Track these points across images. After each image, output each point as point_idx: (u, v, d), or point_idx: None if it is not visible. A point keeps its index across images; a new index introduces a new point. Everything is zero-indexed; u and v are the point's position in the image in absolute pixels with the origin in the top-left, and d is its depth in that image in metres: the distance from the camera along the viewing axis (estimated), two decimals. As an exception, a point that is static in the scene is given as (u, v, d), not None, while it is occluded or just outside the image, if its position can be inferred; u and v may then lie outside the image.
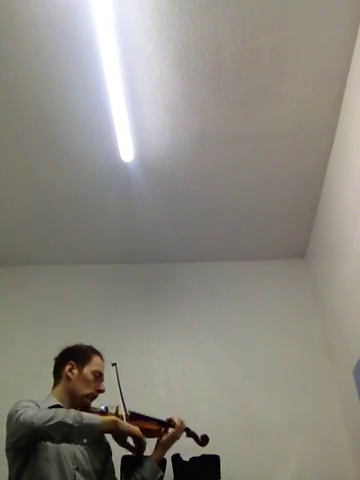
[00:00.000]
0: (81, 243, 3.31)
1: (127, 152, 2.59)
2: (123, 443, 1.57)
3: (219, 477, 2.41)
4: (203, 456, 2.46)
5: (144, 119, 2.48)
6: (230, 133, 2.58)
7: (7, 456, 1.56)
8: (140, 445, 1.56)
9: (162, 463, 2.15)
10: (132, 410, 1.78)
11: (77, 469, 1.58)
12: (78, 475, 1.57)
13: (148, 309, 3.23)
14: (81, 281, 3.39)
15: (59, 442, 1.48)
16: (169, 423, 1.85)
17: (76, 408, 1.70)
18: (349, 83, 2.31)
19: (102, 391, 1.78)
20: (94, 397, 1.77)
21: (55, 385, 1.78)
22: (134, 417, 1.76)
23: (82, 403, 1.73)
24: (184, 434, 1.92)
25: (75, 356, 1.80)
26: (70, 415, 1.43)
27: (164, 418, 1.86)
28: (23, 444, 1.49)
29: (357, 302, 2.39)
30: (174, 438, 1.84)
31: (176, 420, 1.86)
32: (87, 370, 1.77)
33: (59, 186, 2.88)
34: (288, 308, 3.22)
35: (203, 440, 1.96)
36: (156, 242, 3.29)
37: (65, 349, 1.85)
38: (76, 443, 1.48)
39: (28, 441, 1.48)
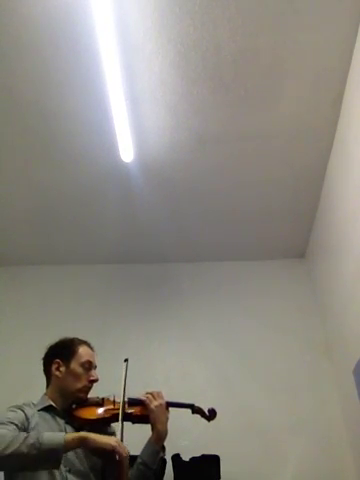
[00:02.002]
0: (81, 243, 3.32)
1: (127, 152, 2.59)
2: (100, 456, 1.49)
3: (219, 477, 2.41)
4: (203, 456, 2.47)
5: (144, 119, 2.48)
6: (230, 133, 2.58)
7: None
8: (111, 459, 1.43)
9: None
10: (130, 396, 1.75)
11: (69, 471, 1.53)
12: (70, 477, 1.51)
13: (148, 309, 3.23)
14: (81, 281, 3.39)
15: (17, 472, 1.40)
16: (139, 402, 1.78)
17: (72, 404, 1.70)
18: (349, 83, 2.31)
19: (95, 380, 1.74)
20: (88, 389, 1.73)
21: (47, 384, 1.76)
22: (132, 403, 1.73)
23: (77, 398, 1.71)
24: (190, 411, 1.88)
25: (60, 353, 1.76)
26: (28, 442, 1.32)
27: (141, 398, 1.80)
28: None
29: (357, 302, 2.39)
30: (156, 408, 1.72)
31: (146, 395, 1.77)
32: (74, 364, 1.73)
33: (59, 186, 2.88)
34: (288, 308, 3.22)
35: (210, 414, 1.89)
36: (156, 242, 3.30)
37: (49, 348, 1.81)
38: (36, 470, 1.38)
39: None
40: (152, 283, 3.38)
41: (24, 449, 1.31)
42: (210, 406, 1.91)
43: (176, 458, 2.44)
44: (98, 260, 3.44)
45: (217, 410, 1.81)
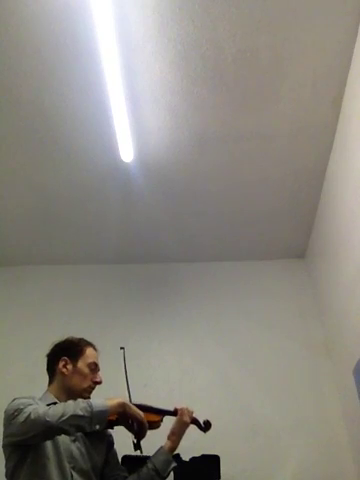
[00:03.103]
0: (81, 243, 3.32)
1: (127, 152, 2.59)
2: (126, 424, 1.61)
3: (219, 477, 2.41)
4: (203, 456, 2.46)
5: (144, 119, 2.48)
6: (230, 133, 2.58)
7: (4, 452, 1.55)
8: (140, 430, 1.61)
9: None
10: (135, 402, 1.77)
11: (73, 468, 1.56)
12: (75, 474, 1.55)
13: (148, 309, 3.23)
14: (81, 281, 3.39)
15: (73, 433, 1.51)
16: (173, 412, 1.88)
17: None
18: (349, 83, 2.31)
19: (99, 382, 1.77)
20: (92, 389, 1.76)
21: (50, 382, 1.77)
22: (147, 409, 1.76)
23: (81, 397, 1.70)
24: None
25: (67, 351, 1.78)
26: (81, 406, 1.46)
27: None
28: (37, 441, 1.49)
29: (357, 302, 2.39)
30: (183, 424, 1.85)
31: (180, 407, 1.88)
32: (81, 364, 1.75)
33: (59, 186, 2.89)
34: (288, 308, 3.22)
35: (206, 426, 1.96)
36: (156, 242, 3.30)
37: (56, 345, 1.82)
38: (88, 430, 1.48)
39: (42, 438, 1.49)
40: (152, 283, 3.38)
41: (79, 411, 1.44)
42: (207, 418, 1.99)
43: (176, 458, 2.44)
44: (98, 260, 3.44)
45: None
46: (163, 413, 1.85)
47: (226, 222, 3.17)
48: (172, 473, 2.41)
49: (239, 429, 2.74)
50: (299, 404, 2.82)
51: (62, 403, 1.52)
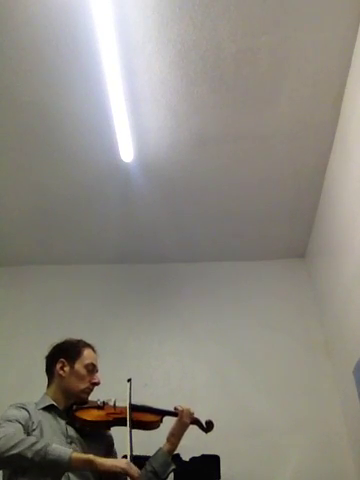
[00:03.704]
0: (81, 243, 3.32)
1: (127, 152, 2.59)
2: (108, 478, 1.48)
3: (219, 477, 2.41)
4: (203, 456, 2.47)
5: (144, 119, 2.48)
6: (230, 133, 2.58)
7: None
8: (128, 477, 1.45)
9: (176, 455, 2.16)
10: (133, 402, 1.76)
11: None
12: (71, 476, 1.52)
13: (148, 309, 3.23)
14: (81, 281, 3.39)
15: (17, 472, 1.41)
16: (174, 413, 1.85)
17: (73, 405, 1.71)
18: (349, 83, 2.30)
19: (97, 383, 1.76)
20: (90, 391, 1.75)
21: (49, 384, 1.77)
22: (135, 409, 1.75)
23: (79, 399, 1.72)
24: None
25: (65, 353, 1.78)
26: (33, 448, 1.35)
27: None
28: None
29: (357, 302, 2.39)
30: (183, 425, 1.82)
31: (180, 407, 1.85)
32: (79, 365, 1.75)
33: (59, 186, 2.88)
34: (288, 308, 3.22)
35: (208, 426, 1.93)
36: (156, 242, 3.29)
37: (54, 347, 1.82)
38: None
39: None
40: (152, 283, 3.38)
41: (29, 453, 1.33)
42: (208, 418, 1.96)
43: (176, 458, 2.44)
44: (98, 260, 3.44)
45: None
46: (163, 413, 1.84)
47: (226, 222, 3.17)
48: (172, 473, 2.41)
49: (239, 429, 2.73)
50: (299, 404, 2.82)
51: (21, 435, 1.42)
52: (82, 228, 3.19)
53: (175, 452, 2.39)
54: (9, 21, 2.06)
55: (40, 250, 3.36)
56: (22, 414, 1.55)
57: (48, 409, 1.66)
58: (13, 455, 1.32)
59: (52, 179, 2.84)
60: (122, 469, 1.42)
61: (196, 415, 1.93)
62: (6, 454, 1.32)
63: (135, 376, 2.83)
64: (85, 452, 1.60)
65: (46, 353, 1.84)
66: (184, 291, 3.32)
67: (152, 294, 3.31)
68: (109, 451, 1.76)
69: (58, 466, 1.36)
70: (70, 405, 1.72)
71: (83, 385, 1.73)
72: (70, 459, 1.37)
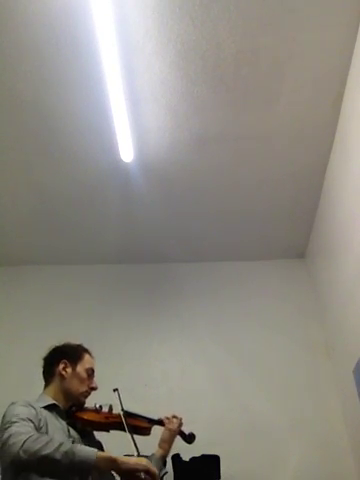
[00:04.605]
0: (81, 243, 3.32)
1: (127, 152, 2.59)
2: (127, 477, 1.42)
3: (219, 477, 2.41)
4: (203, 456, 2.47)
5: (144, 119, 2.48)
6: (230, 133, 2.58)
7: None
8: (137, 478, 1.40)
9: (176, 455, 2.30)
10: (126, 409, 1.80)
11: None
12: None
13: (148, 309, 3.22)
14: (81, 281, 3.39)
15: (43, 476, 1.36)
16: (160, 421, 1.93)
17: (71, 407, 1.72)
18: (349, 83, 2.31)
19: (95, 388, 1.79)
20: (88, 394, 1.77)
21: (47, 385, 1.77)
22: (128, 415, 1.79)
23: (78, 401, 1.74)
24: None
25: (67, 355, 1.79)
26: (61, 450, 1.31)
27: (156, 417, 1.93)
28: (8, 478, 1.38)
29: (357, 302, 2.39)
30: (171, 431, 1.90)
31: (166, 417, 1.93)
32: (80, 368, 1.77)
33: (59, 186, 2.88)
34: (288, 308, 3.22)
35: (190, 438, 2.00)
36: (156, 242, 3.29)
37: (55, 348, 1.84)
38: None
39: (12, 475, 1.36)
40: (152, 283, 3.38)
41: (58, 455, 1.30)
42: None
43: (176, 458, 2.44)
44: (98, 260, 3.44)
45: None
46: (151, 422, 1.90)
47: (226, 222, 3.17)
48: (172, 473, 2.42)
49: (239, 429, 2.74)
50: (299, 404, 2.82)
51: (48, 437, 1.39)
52: (82, 228, 3.19)
53: (175, 452, 2.42)
54: (9, 21, 2.06)
55: (40, 250, 3.36)
56: (30, 411, 1.54)
57: (49, 409, 1.66)
58: (44, 456, 1.29)
59: (52, 179, 2.84)
60: (144, 466, 1.40)
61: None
62: (37, 455, 1.29)
63: (135, 376, 2.86)
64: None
65: (46, 353, 1.85)
66: (184, 291, 3.32)
67: (152, 294, 3.31)
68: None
69: (85, 466, 1.34)
70: (69, 407, 1.73)
71: (82, 388, 1.75)
72: (97, 459, 1.34)
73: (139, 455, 1.58)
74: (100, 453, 1.38)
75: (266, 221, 3.15)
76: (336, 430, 2.73)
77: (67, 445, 1.35)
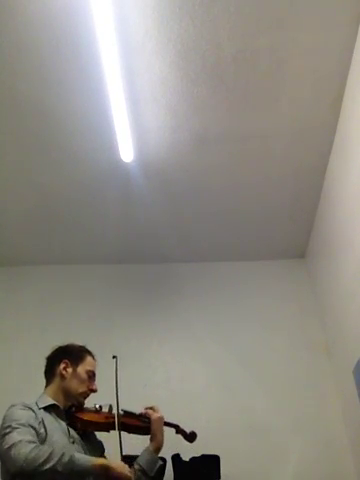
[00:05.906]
0: (81, 243, 3.31)
1: (127, 152, 2.59)
2: None
3: (219, 477, 2.41)
4: (203, 456, 2.46)
5: (144, 119, 2.48)
6: (230, 133, 2.58)
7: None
8: None
9: (176, 455, 2.28)
10: (125, 408, 1.80)
11: None
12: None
13: (148, 309, 3.22)
14: (81, 281, 3.39)
15: None
16: (146, 417, 1.85)
17: (71, 407, 1.74)
18: (349, 83, 2.31)
19: (94, 390, 1.80)
20: (87, 396, 1.79)
21: (48, 384, 1.79)
22: (126, 415, 1.80)
23: (77, 402, 1.75)
24: (173, 430, 1.94)
25: (69, 355, 1.81)
26: (62, 461, 1.40)
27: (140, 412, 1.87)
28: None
29: (357, 302, 2.39)
30: (158, 420, 1.81)
31: (145, 411, 1.85)
32: (81, 369, 1.79)
33: (59, 186, 2.88)
34: (288, 308, 3.22)
35: (191, 436, 1.97)
36: (156, 242, 3.29)
37: (58, 348, 1.86)
38: None
39: None
40: (152, 283, 3.38)
41: (59, 468, 1.39)
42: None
43: (176, 458, 2.44)
44: (98, 260, 3.43)
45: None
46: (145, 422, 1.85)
47: (226, 222, 3.17)
48: (172, 473, 2.42)
49: (239, 429, 2.74)
50: (299, 404, 2.82)
51: (50, 450, 1.44)
52: (82, 228, 3.19)
53: (175, 452, 2.41)
54: (9, 21, 2.06)
55: (40, 250, 3.36)
56: (30, 415, 1.57)
57: (48, 409, 1.67)
58: (46, 470, 1.37)
59: (52, 179, 2.83)
60: (127, 476, 1.51)
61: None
62: (40, 469, 1.37)
63: (135, 376, 2.85)
64: (85, 454, 1.63)
65: (46, 353, 1.85)
66: (184, 291, 3.32)
67: (152, 294, 3.31)
68: (102, 456, 1.79)
69: (83, 474, 1.45)
70: (69, 407, 1.74)
71: (82, 389, 1.77)
72: (92, 466, 1.45)
73: (122, 455, 1.63)
74: (95, 462, 1.48)
75: (266, 221, 3.15)
76: (336, 430, 2.73)
77: (67, 456, 1.42)
